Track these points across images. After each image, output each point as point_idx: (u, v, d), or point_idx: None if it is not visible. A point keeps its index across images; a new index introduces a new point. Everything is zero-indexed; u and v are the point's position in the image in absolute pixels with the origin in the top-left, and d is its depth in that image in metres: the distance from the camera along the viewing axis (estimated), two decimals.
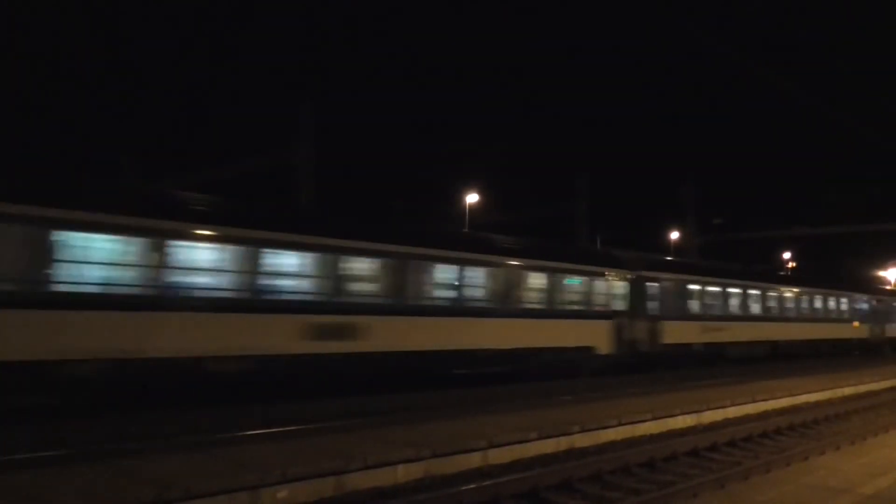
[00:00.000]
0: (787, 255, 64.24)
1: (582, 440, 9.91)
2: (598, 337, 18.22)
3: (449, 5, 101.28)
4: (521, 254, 16.68)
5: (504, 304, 15.89)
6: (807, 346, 28.90)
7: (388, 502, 6.84)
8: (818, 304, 30.33)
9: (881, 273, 63.12)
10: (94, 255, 10.23)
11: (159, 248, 10.78)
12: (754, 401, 13.99)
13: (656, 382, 16.78)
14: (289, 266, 12.61)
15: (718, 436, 10.47)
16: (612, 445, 10.06)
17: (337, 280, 12.98)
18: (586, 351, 17.89)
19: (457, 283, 15.14)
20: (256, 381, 11.89)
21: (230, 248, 11.59)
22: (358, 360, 13.01)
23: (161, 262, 10.81)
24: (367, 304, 13.39)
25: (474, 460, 8.43)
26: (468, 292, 15.38)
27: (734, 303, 24.66)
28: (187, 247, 11.17)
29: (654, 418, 11.31)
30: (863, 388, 18.21)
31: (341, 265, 13.09)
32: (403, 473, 7.71)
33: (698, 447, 9.83)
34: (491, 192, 43.26)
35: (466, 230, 33.05)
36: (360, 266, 13.57)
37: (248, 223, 12.03)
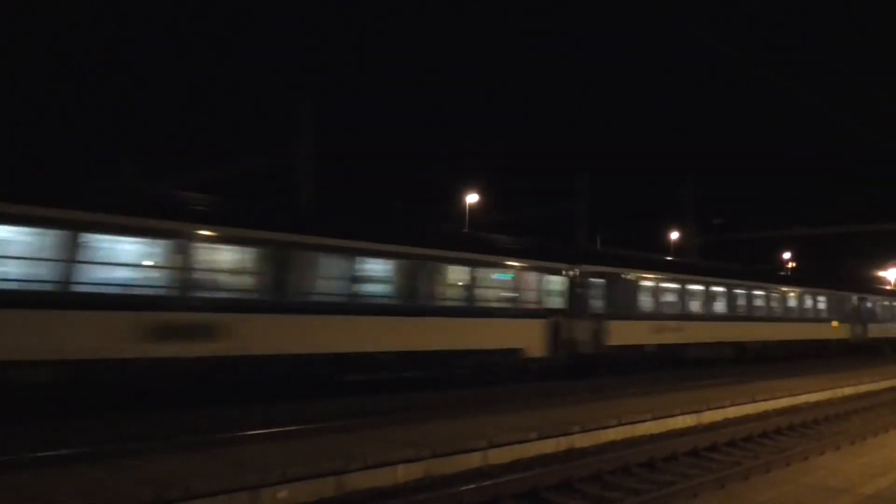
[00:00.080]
0: (787, 256, 64.32)
1: (582, 440, 9.91)
2: (528, 338, 16.46)
3: (449, 5, 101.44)
4: (432, 244, 15.01)
5: (410, 301, 14.21)
6: (778, 347, 26.73)
7: (389, 502, 6.84)
8: (792, 302, 28.22)
9: (881, 273, 63.19)
10: None
11: None
12: (754, 401, 14.00)
13: (656, 382, 16.76)
14: (119, 253, 10.42)
15: (718, 436, 10.48)
16: (612, 445, 10.07)
17: (187, 271, 10.97)
18: (514, 354, 16.16)
19: (350, 277, 13.34)
20: (79, 390, 9.96)
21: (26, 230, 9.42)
22: (215, 364, 11.03)
23: None
24: (227, 301, 11.50)
25: (474, 460, 8.43)
26: (364, 287, 13.70)
27: (694, 301, 22.57)
28: None
29: (654, 418, 11.31)
30: (863, 389, 18.22)
31: (193, 253, 11.09)
32: (403, 473, 7.71)
33: (698, 447, 9.83)
34: (491, 192, 43.40)
35: (466, 230, 33.02)
36: (223, 257, 11.68)
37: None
